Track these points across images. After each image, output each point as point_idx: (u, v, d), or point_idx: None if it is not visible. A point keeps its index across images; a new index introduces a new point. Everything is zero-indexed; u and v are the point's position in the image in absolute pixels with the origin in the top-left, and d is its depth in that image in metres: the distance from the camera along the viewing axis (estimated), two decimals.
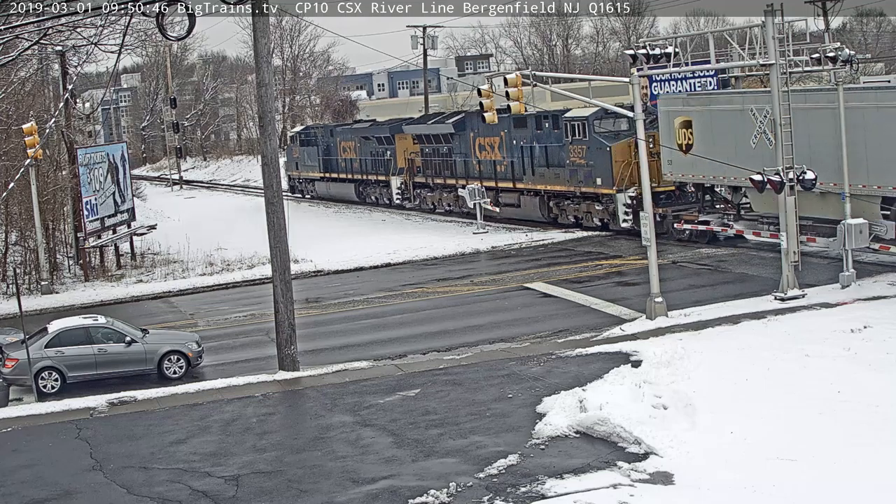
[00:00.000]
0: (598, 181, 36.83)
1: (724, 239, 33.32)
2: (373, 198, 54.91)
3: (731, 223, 31.89)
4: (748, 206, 31.37)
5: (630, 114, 26.00)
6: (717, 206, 33.47)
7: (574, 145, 37.88)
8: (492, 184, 43.30)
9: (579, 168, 37.84)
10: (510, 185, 42.60)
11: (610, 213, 36.91)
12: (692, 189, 33.98)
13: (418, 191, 50.17)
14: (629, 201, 35.06)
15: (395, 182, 51.57)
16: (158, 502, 15.57)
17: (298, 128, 69.20)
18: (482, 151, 44.17)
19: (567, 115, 38.66)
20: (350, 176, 56.86)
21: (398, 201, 51.61)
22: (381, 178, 53.28)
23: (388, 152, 52.19)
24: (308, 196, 63.45)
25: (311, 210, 56.79)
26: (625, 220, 35.67)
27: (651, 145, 31.79)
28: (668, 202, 35.13)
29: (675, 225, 34.39)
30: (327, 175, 59.45)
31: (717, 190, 32.93)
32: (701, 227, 33.24)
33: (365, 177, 55.12)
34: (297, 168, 63.64)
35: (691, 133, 32.05)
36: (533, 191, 41.22)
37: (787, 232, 25.06)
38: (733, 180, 30.08)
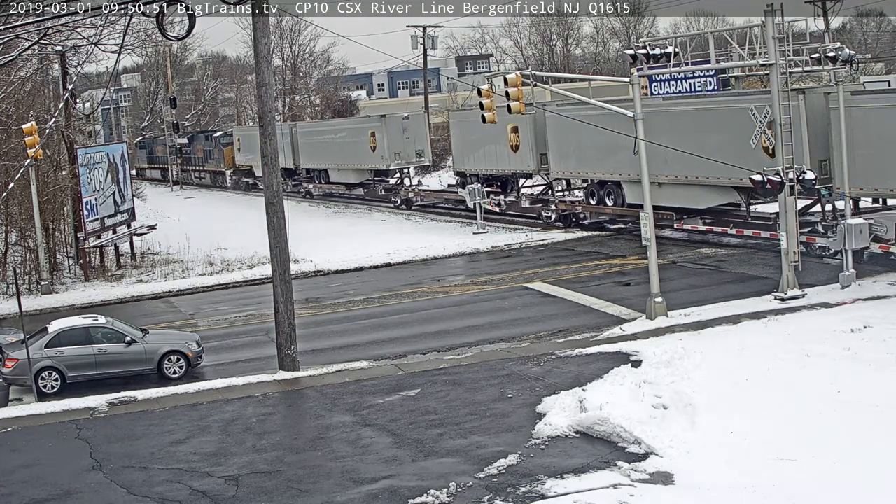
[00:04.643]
0: (222, 166, 76.19)
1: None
2: (169, 177, 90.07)
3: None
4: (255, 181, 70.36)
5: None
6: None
7: (217, 148, 78.08)
8: (200, 168, 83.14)
9: (218, 159, 77.94)
10: (204, 168, 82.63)
11: (226, 180, 76.80)
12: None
13: (184, 173, 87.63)
14: (231, 174, 75.58)
15: (173, 169, 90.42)
16: (158, 502, 15.57)
17: (138, 138, 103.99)
18: (198, 153, 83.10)
19: (215, 134, 79.80)
20: (158, 166, 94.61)
21: (176, 178, 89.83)
22: (168, 167, 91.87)
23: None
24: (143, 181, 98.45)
25: (312, 210, 56.83)
26: (230, 181, 75.89)
27: (238, 150, 72.77)
28: (248, 175, 71.32)
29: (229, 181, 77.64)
30: (150, 166, 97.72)
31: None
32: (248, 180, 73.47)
33: (163, 166, 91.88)
34: (138, 161, 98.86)
35: (240, 144, 71.28)
36: (211, 171, 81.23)
37: (786, 232, 25.05)
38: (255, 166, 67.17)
